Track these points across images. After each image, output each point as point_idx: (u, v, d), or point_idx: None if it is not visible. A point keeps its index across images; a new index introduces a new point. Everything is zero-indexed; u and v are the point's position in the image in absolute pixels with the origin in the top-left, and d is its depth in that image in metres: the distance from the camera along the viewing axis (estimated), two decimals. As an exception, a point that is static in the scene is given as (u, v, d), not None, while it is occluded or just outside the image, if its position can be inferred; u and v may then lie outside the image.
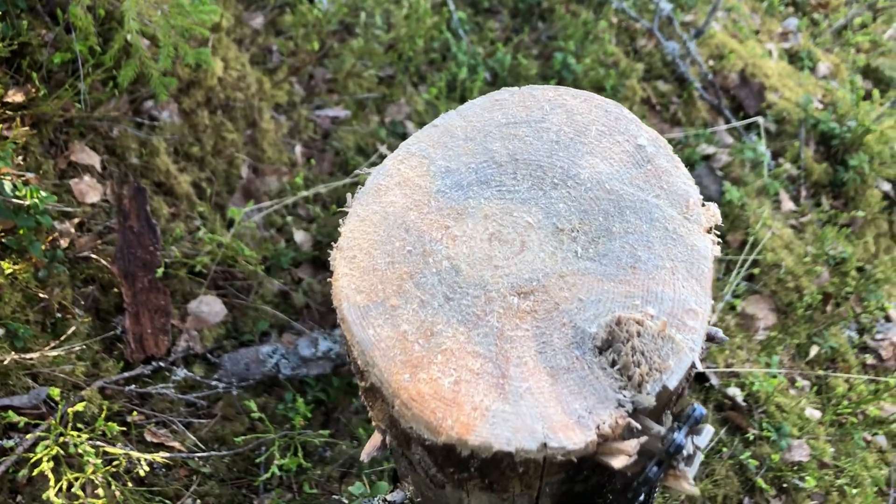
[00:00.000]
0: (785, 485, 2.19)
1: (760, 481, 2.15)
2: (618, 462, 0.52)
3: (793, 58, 3.59)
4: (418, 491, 0.79)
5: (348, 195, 0.69)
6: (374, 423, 0.64)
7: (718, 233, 0.65)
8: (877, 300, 2.71)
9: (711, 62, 3.22)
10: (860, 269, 2.82)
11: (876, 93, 3.09)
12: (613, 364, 0.56)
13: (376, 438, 0.69)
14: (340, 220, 0.67)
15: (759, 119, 3.03)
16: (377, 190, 0.69)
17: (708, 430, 0.55)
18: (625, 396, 0.54)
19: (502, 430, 0.53)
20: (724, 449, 2.19)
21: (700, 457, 0.54)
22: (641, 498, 0.57)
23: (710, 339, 0.69)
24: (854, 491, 2.19)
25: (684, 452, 0.53)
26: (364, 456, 0.70)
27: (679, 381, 0.55)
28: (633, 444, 0.53)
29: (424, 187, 0.68)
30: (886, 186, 3.05)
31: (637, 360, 0.55)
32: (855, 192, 2.98)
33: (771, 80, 3.20)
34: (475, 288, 0.62)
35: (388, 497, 0.92)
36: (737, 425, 2.25)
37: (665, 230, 0.64)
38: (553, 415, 0.54)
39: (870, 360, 2.65)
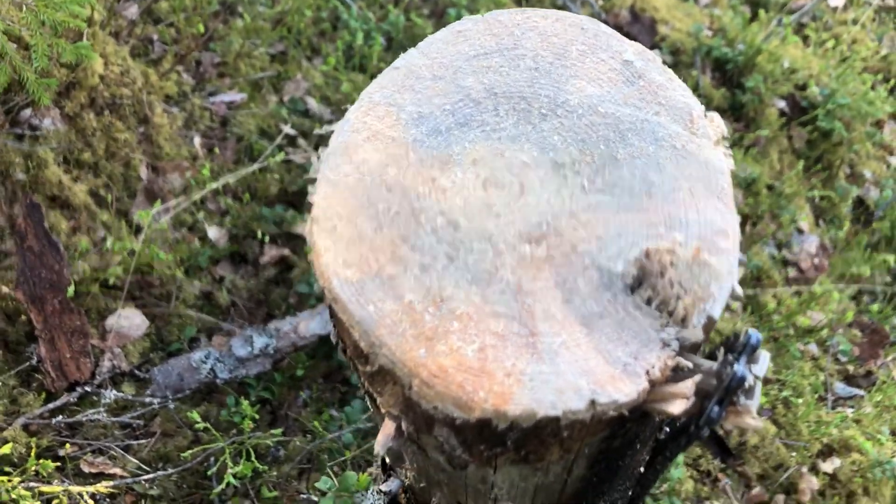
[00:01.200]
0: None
1: (712, 406, 2.19)
2: (675, 407, 0.47)
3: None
4: (422, 476, 0.73)
5: (313, 158, 0.61)
6: (383, 410, 0.57)
7: (727, 145, 0.61)
8: (790, 214, 2.79)
9: (601, 1, 3.22)
10: (770, 188, 2.90)
11: (762, 13, 3.15)
12: (649, 301, 0.50)
13: (388, 426, 0.62)
14: (309, 188, 0.59)
15: (655, 53, 3.05)
16: (345, 149, 0.61)
17: (765, 356, 0.51)
18: (669, 334, 0.48)
19: (544, 393, 0.48)
20: (674, 381, 2.21)
21: (759, 387, 0.50)
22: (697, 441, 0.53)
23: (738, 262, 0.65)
24: (799, 401, 2.26)
25: (746, 384, 0.48)
26: (378, 448, 0.63)
27: (721, 309, 0.50)
28: (689, 385, 0.48)
29: (398, 138, 0.61)
30: (781, 103, 3.13)
31: (677, 292, 0.50)
32: (755, 113, 3.04)
33: (660, 13, 3.22)
34: (479, 241, 0.55)
35: (383, 487, 0.85)
36: (682, 356, 2.28)
37: (673, 149, 0.59)
38: (596, 367, 0.48)
39: (792, 273, 2.73)
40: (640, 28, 3.12)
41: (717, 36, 3.21)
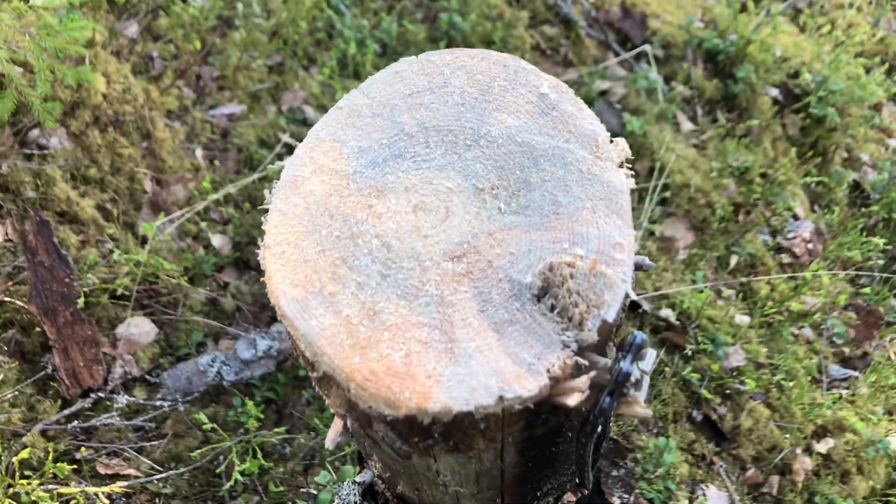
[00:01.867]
0: (728, 391, 2.29)
1: (705, 392, 2.25)
2: (572, 400, 0.54)
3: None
4: (386, 466, 0.80)
5: (265, 192, 0.69)
6: (332, 410, 0.65)
7: (629, 165, 0.67)
8: (783, 201, 2.83)
9: (592, -1, 3.27)
10: (763, 175, 2.94)
11: (751, 4, 3.19)
12: (553, 308, 0.58)
13: (338, 424, 0.70)
14: (262, 219, 0.67)
15: (647, 47, 3.10)
16: (294, 182, 0.68)
17: (650, 354, 0.58)
18: (568, 337, 0.56)
19: (459, 391, 0.55)
20: (667, 369, 2.27)
21: (647, 380, 0.57)
22: (599, 429, 0.60)
23: (638, 267, 0.72)
24: (791, 384, 2.31)
25: (632, 378, 0.55)
26: (328, 443, 0.71)
27: (616, 313, 0.57)
28: (583, 380, 0.55)
29: (341, 171, 0.68)
30: (774, 92, 3.17)
31: (574, 300, 0.57)
32: (747, 103, 3.09)
33: (651, 7, 3.27)
34: (409, 260, 0.63)
35: (357, 479, 0.93)
36: (674, 344, 2.34)
37: (580, 172, 0.66)
38: (504, 368, 0.55)
39: (786, 259, 2.78)
40: (631, 23, 3.17)
41: (708, 27, 3.25)
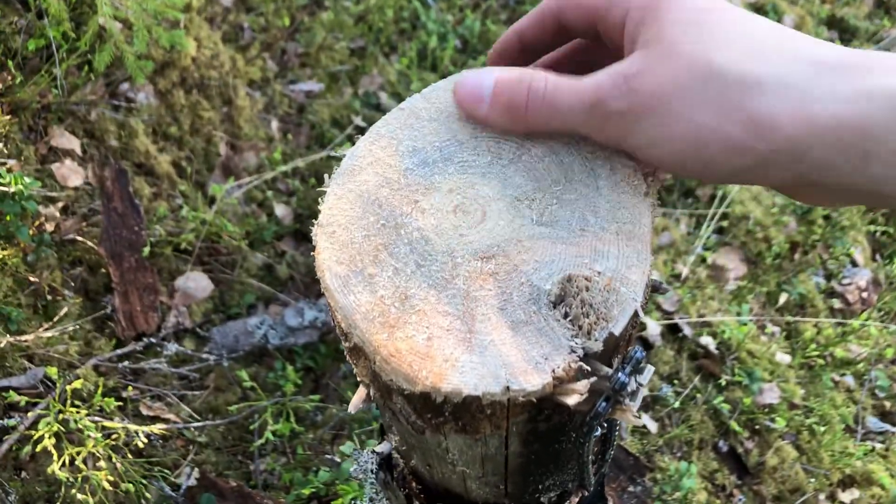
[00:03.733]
0: (757, 426, 2.29)
1: (734, 424, 2.26)
2: (571, 400, 0.59)
3: (759, 11, 3.64)
4: (403, 440, 0.86)
5: (325, 176, 0.76)
6: (358, 378, 0.71)
7: (659, 197, 0.72)
8: (843, 246, 2.81)
9: None
10: (826, 218, 2.91)
11: (837, 42, 3.15)
12: (566, 316, 0.63)
13: (362, 391, 0.76)
14: (319, 199, 0.74)
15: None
16: (351, 171, 0.75)
17: (649, 369, 0.63)
18: (576, 343, 0.61)
19: (470, 377, 0.60)
20: (699, 395, 2.29)
21: (643, 392, 0.62)
22: (597, 433, 0.65)
23: (655, 289, 0.76)
24: (823, 429, 2.30)
25: (628, 389, 0.60)
26: (352, 408, 0.78)
27: (624, 328, 0.62)
28: (583, 384, 0.60)
29: (394, 166, 0.74)
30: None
31: (586, 311, 0.62)
32: (820, 143, 3.06)
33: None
34: (443, 255, 0.68)
35: (377, 448, 1.00)
36: (710, 372, 2.35)
37: (611, 196, 0.70)
38: (514, 362, 0.61)
39: (837, 304, 2.75)
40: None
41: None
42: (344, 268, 0.69)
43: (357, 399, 0.76)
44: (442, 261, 0.69)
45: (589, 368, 0.60)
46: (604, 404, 0.61)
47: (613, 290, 0.64)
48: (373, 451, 1.00)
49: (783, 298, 2.67)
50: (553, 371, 0.59)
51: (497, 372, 0.61)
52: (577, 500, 0.94)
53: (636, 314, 0.62)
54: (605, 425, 0.79)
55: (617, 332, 0.61)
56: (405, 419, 0.73)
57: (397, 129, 0.79)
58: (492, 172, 0.75)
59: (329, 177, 0.76)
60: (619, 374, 0.59)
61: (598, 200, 0.71)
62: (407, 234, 0.72)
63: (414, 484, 0.99)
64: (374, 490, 1.02)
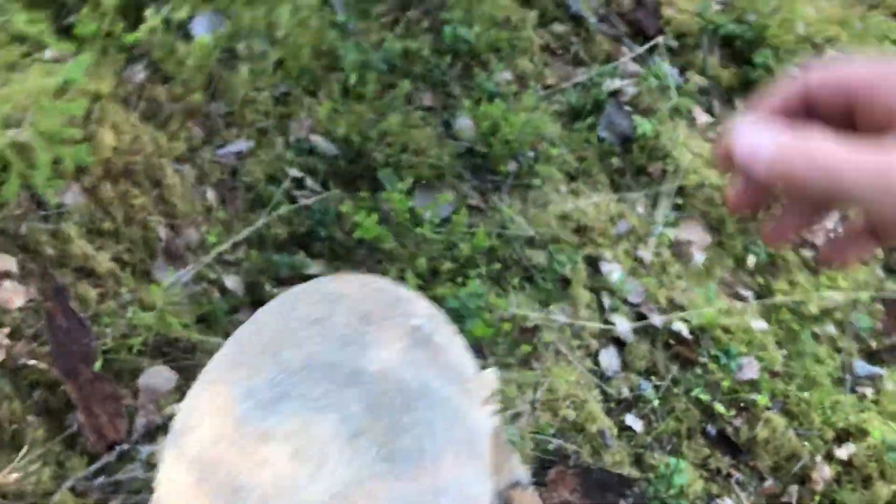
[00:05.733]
0: (742, 403, 2.29)
1: (718, 406, 2.25)
2: None
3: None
4: None
5: (159, 447, 0.74)
6: None
7: (494, 403, 0.69)
8: (804, 194, 2.77)
9: (602, -9, 3.20)
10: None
11: (767, -17, 3.08)
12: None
13: None
14: (156, 470, 0.71)
15: (659, 39, 3.03)
16: (183, 429, 0.73)
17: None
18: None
19: None
20: (679, 385, 2.28)
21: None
22: None
23: (514, 486, 0.75)
24: (806, 394, 2.29)
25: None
26: None
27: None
28: None
29: (228, 414, 0.72)
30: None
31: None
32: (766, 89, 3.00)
33: (664, -6, 3.19)
34: None
35: None
36: (686, 358, 2.34)
37: (446, 412, 0.68)
38: None
39: (808, 253, 2.73)
40: (643, 13, 3.10)
41: (725, 11, 3.15)
42: None
43: None
44: None
45: None
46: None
47: None
48: None
49: (752, 260, 2.65)
50: None
51: None
52: None
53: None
54: None
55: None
56: None
57: (227, 370, 0.76)
58: (330, 405, 0.72)
59: (165, 438, 0.73)
60: None
61: (434, 421, 0.69)
62: (247, 495, 0.69)
63: None
64: None
